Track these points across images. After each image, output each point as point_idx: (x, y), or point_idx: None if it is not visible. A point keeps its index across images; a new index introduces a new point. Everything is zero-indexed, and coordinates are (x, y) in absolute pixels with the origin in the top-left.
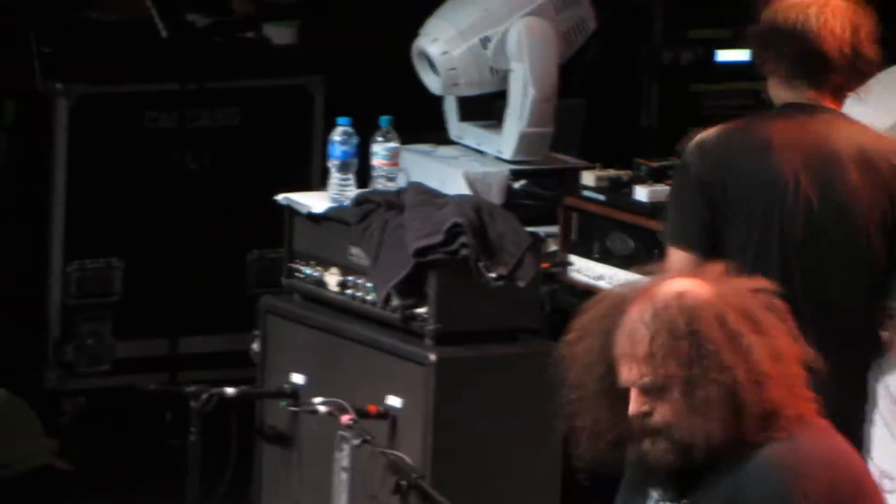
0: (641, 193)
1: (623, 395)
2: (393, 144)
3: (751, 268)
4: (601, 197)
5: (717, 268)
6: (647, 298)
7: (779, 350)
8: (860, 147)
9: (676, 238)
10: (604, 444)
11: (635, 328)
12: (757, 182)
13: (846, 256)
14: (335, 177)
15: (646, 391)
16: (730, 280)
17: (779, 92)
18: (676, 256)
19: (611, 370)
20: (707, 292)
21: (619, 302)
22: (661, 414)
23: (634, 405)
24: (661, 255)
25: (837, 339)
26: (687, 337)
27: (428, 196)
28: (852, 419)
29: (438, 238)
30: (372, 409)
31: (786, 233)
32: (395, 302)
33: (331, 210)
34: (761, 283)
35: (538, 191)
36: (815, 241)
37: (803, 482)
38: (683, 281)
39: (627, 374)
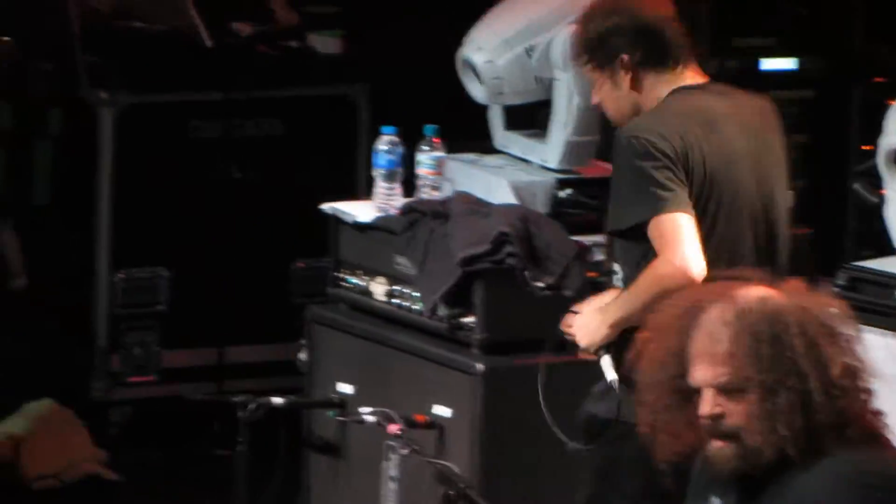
0: None
1: (694, 396)
2: (438, 153)
3: (721, 236)
4: None
5: (796, 283)
6: (728, 300)
7: (853, 364)
8: (760, 108)
9: (673, 206)
10: (682, 446)
11: (716, 328)
12: (716, 157)
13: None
14: (381, 186)
15: (721, 392)
16: (809, 293)
17: (662, 83)
18: (677, 222)
19: (684, 370)
20: (789, 300)
21: (696, 303)
22: (734, 417)
23: (706, 406)
24: None
25: None
26: (769, 341)
27: (474, 205)
28: None
29: (485, 247)
30: (419, 418)
31: (748, 200)
32: (442, 311)
33: (377, 219)
34: (836, 300)
35: (584, 199)
36: (769, 200)
37: (862, 496)
38: (764, 288)
39: (703, 373)
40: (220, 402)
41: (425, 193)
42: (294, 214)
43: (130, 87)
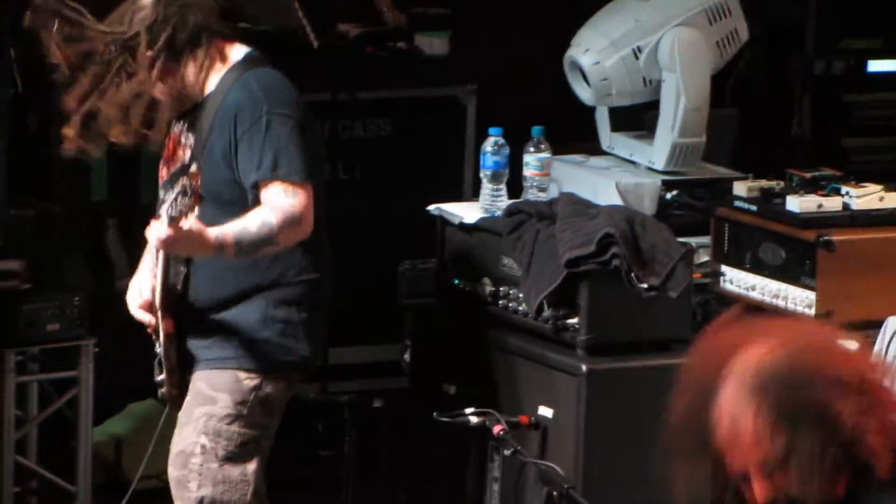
0: (793, 204)
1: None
2: (545, 155)
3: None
4: (753, 207)
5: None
6: (739, 369)
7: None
8: None
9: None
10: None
11: (733, 409)
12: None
13: None
14: (487, 187)
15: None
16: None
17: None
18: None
19: (707, 426)
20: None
21: (717, 362)
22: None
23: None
24: (812, 266)
25: None
26: (797, 400)
27: (580, 206)
28: None
29: (590, 248)
30: (523, 419)
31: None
32: (547, 312)
33: (482, 220)
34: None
35: (690, 201)
36: None
37: None
38: (773, 338)
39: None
40: (325, 402)
41: (531, 195)
42: (400, 215)
43: None
